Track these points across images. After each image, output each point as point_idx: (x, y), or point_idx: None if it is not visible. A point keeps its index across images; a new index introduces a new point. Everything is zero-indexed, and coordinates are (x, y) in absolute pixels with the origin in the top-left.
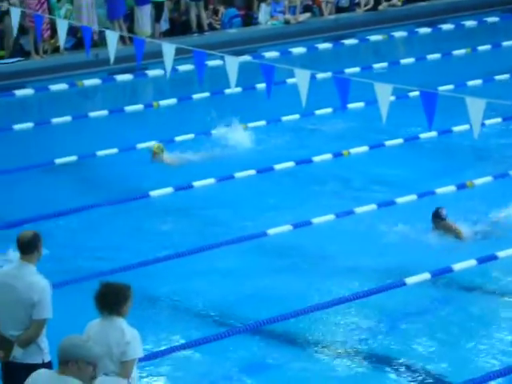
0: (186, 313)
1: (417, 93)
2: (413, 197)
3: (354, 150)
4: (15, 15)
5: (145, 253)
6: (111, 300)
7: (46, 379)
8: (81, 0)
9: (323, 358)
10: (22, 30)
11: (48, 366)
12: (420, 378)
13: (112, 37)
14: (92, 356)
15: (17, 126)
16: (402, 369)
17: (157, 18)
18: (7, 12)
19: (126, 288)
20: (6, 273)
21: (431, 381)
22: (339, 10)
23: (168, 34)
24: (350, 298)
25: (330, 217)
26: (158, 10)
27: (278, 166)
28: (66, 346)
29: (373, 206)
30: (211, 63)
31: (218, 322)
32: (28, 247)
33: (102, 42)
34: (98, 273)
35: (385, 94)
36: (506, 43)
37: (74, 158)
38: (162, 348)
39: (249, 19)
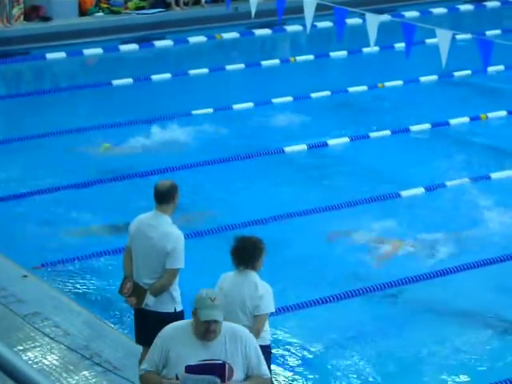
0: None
1: None
2: None
3: (492, 114)
4: None
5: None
6: (247, 254)
7: None
8: None
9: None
10: None
11: (180, 315)
12: None
13: None
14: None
15: (155, 77)
16: None
17: None
18: None
19: (260, 242)
20: (142, 221)
21: None
22: None
23: None
24: None
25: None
26: None
27: (413, 128)
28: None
29: None
30: (350, 21)
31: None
32: (164, 197)
33: None
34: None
35: None
36: None
37: (209, 110)
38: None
39: None
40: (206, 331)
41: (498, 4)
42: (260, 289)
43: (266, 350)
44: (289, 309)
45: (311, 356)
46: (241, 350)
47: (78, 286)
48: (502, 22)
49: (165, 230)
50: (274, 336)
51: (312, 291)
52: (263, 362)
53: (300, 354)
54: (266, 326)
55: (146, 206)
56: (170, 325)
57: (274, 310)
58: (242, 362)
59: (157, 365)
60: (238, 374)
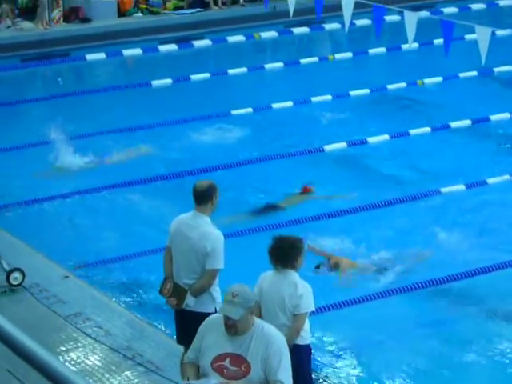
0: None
1: None
2: None
3: None
4: None
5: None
6: (285, 254)
7: None
8: None
9: None
10: None
11: None
12: None
13: None
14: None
15: (194, 76)
16: None
17: None
18: None
19: (299, 241)
20: (181, 221)
21: None
22: None
23: None
24: None
25: None
26: None
27: (453, 124)
28: None
29: None
30: (388, 18)
31: None
32: (203, 197)
33: None
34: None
35: None
36: None
37: (249, 109)
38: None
39: None
40: (225, 325)
41: None
42: (300, 288)
43: (306, 350)
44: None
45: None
46: (264, 350)
47: (119, 287)
48: None
49: (204, 230)
50: None
51: None
52: (283, 369)
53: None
54: (306, 326)
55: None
56: (212, 315)
57: (313, 309)
58: (261, 362)
59: (197, 351)
60: (256, 372)
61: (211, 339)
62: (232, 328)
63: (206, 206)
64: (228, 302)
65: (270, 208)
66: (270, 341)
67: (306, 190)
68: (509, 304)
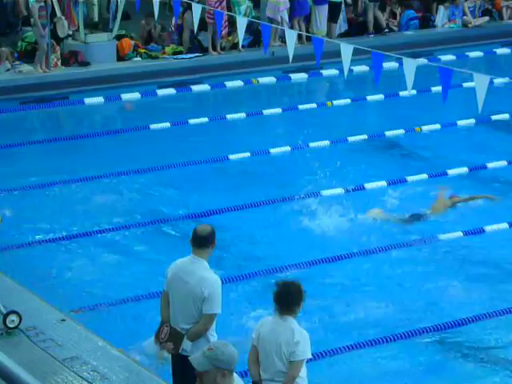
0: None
1: None
2: None
3: None
4: (196, 11)
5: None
6: (289, 300)
7: None
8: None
9: None
10: (201, 25)
11: None
12: None
13: (291, 35)
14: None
15: (192, 121)
16: None
17: (333, 18)
18: (189, 7)
19: (301, 288)
20: (179, 266)
21: None
22: None
23: (343, 35)
24: None
25: None
26: (335, 10)
27: (450, 171)
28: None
29: None
30: (387, 65)
31: None
32: (203, 242)
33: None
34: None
35: None
36: None
37: (247, 154)
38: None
39: (426, 22)
40: None
41: None
42: (297, 335)
43: None
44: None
45: None
46: None
47: (116, 330)
48: None
49: (202, 274)
50: None
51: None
52: None
53: None
54: (303, 373)
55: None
56: None
57: (310, 357)
58: None
59: None
60: None
61: None
62: (198, 378)
63: (204, 251)
64: (201, 353)
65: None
66: None
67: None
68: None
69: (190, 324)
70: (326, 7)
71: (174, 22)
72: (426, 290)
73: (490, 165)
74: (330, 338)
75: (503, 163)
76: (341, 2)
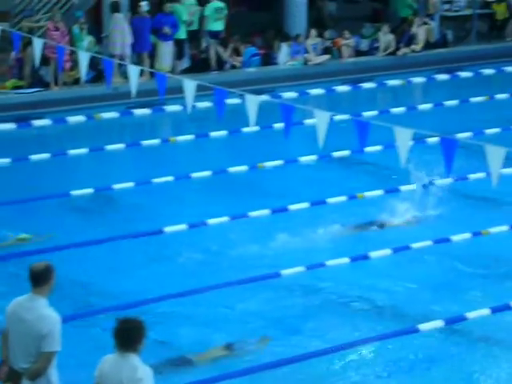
0: None
1: (434, 139)
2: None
3: (368, 194)
4: (38, 45)
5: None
6: (129, 336)
7: None
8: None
9: None
10: (43, 60)
11: None
12: None
13: (134, 71)
14: None
15: (34, 157)
16: None
17: (177, 54)
18: (29, 42)
19: (142, 325)
20: (18, 304)
21: None
22: (359, 53)
23: (187, 71)
24: None
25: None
26: (179, 46)
27: (292, 207)
28: None
29: None
30: (229, 101)
31: None
32: (40, 279)
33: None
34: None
35: (405, 138)
36: None
37: (90, 190)
38: None
39: (268, 59)
40: None
41: (373, 85)
42: (140, 371)
43: None
44: None
45: None
46: None
47: None
48: (377, 103)
49: (40, 312)
50: None
51: None
52: None
53: None
54: None
55: None
56: None
57: None
58: None
59: None
60: None
61: None
62: None
63: (43, 288)
64: None
65: None
66: None
67: None
68: None
69: (29, 363)
70: (171, 43)
71: (13, 55)
72: None
73: (331, 200)
74: None
75: (343, 198)
76: (185, 39)
